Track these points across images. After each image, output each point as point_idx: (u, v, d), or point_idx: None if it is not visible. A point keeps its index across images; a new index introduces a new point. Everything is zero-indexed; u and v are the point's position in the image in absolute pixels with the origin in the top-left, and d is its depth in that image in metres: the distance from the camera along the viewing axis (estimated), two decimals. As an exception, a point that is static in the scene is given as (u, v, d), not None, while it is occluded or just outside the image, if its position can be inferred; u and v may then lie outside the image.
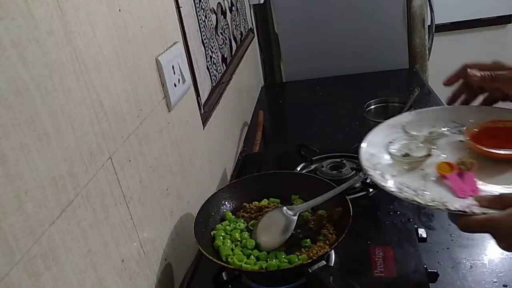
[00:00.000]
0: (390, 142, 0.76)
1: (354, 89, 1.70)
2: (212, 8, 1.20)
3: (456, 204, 0.60)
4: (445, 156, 0.72)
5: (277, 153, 1.32)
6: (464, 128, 0.75)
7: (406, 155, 0.73)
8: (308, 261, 0.68)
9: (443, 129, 0.77)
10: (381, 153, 0.74)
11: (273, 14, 1.87)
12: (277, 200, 0.87)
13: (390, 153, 0.73)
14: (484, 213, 0.57)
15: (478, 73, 0.75)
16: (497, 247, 0.57)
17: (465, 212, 0.58)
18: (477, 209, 0.58)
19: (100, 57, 0.60)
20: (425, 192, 0.64)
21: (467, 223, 0.58)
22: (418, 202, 0.62)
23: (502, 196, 0.59)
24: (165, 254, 0.77)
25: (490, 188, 0.62)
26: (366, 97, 1.39)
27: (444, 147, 0.74)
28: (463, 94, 0.78)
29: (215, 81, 1.17)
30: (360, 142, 0.76)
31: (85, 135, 0.55)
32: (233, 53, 1.42)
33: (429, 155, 0.71)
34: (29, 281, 0.43)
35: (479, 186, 0.63)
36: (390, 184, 0.67)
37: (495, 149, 0.68)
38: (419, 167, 0.70)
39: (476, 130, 0.73)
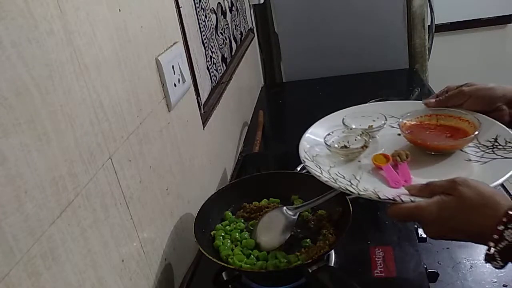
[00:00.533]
0: (328, 135, 0.79)
1: (354, 89, 1.70)
2: (212, 8, 1.20)
3: (387, 193, 0.62)
4: (382, 149, 0.76)
5: (277, 153, 1.32)
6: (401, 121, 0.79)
7: (344, 147, 0.76)
8: (308, 261, 0.68)
9: (382, 122, 0.82)
10: (321, 145, 0.78)
11: (273, 14, 1.87)
12: (277, 200, 0.87)
13: (327, 145, 0.76)
14: (413, 201, 0.59)
15: (433, 100, 0.81)
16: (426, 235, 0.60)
17: (394, 200, 0.61)
18: (405, 198, 0.60)
19: (100, 57, 0.60)
20: (359, 182, 0.67)
21: (395, 211, 0.60)
22: (351, 191, 0.65)
23: (429, 184, 0.60)
24: (165, 254, 0.77)
25: (421, 179, 0.65)
26: (366, 97, 1.39)
27: (382, 140, 0.80)
28: None
29: (215, 81, 1.17)
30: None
31: (85, 135, 0.55)
32: (233, 53, 1.42)
33: (364, 146, 0.75)
34: (29, 281, 0.43)
35: (412, 177, 0.67)
36: (325, 174, 0.70)
37: (428, 141, 0.73)
38: (356, 159, 0.75)
39: (412, 123, 0.79)
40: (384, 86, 1.65)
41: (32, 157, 0.45)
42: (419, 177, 0.66)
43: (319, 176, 0.69)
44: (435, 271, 0.73)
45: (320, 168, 0.72)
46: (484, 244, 0.53)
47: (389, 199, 0.61)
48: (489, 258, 0.52)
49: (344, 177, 0.69)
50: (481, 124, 0.73)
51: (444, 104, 0.80)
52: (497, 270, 0.75)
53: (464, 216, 0.55)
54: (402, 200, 0.60)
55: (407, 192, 0.62)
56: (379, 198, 0.62)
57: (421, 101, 0.83)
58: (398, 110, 0.84)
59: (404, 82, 1.79)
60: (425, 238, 0.80)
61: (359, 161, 0.74)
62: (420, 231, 0.81)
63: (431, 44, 1.93)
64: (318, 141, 0.80)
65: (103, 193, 0.58)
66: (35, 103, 0.46)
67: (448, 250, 0.81)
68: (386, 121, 0.81)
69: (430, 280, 0.72)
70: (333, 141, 0.78)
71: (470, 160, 0.70)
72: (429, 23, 1.90)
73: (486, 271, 0.76)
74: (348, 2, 1.78)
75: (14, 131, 0.43)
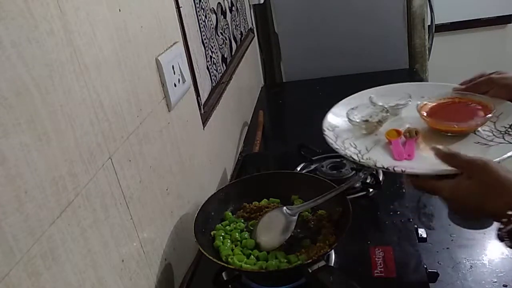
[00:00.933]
0: (352, 109, 0.84)
1: (354, 89, 1.69)
2: (212, 8, 1.20)
3: (385, 163, 0.68)
4: (407, 125, 0.80)
5: (277, 153, 1.32)
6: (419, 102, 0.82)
7: (366, 121, 0.81)
8: (308, 261, 0.68)
9: (406, 100, 0.85)
10: (344, 117, 0.84)
11: (273, 14, 1.87)
12: (277, 200, 0.87)
13: (349, 119, 0.82)
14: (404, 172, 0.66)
15: (462, 86, 0.83)
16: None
17: (387, 169, 0.67)
18: (398, 169, 0.66)
19: (100, 57, 0.60)
20: (367, 153, 0.73)
21: (416, 182, 0.67)
22: (353, 159, 0.72)
23: (455, 156, 0.63)
24: (165, 254, 0.77)
25: (428, 156, 0.69)
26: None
27: (407, 117, 0.83)
28: None
29: (215, 81, 1.17)
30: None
31: (85, 135, 0.55)
32: (233, 53, 1.42)
33: (380, 121, 0.79)
34: (29, 281, 0.43)
35: (417, 152, 0.72)
36: (338, 143, 0.77)
37: (443, 122, 0.75)
38: (373, 133, 0.79)
39: (433, 104, 0.82)
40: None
41: (32, 157, 0.45)
42: (427, 154, 0.70)
43: (331, 143, 0.76)
44: (435, 271, 0.73)
45: (336, 137, 0.78)
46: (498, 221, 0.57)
47: (384, 168, 0.68)
48: (499, 237, 0.57)
49: (355, 147, 0.75)
50: (495, 109, 0.74)
51: (472, 90, 0.81)
52: (497, 270, 0.76)
53: (477, 199, 0.59)
54: (394, 170, 0.66)
55: (404, 165, 0.67)
56: (375, 166, 0.69)
57: (449, 84, 0.85)
58: (424, 91, 0.87)
59: (404, 82, 1.79)
60: (425, 238, 0.80)
61: (375, 135, 0.79)
62: (421, 231, 0.81)
63: (431, 44, 1.93)
64: (342, 114, 0.85)
65: (103, 193, 0.58)
66: (35, 103, 0.46)
67: (448, 250, 0.81)
68: (410, 99, 0.84)
69: (430, 280, 0.72)
70: (355, 115, 0.82)
71: (478, 142, 0.72)
72: (429, 23, 1.90)
73: (486, 271, 0.76)
74: (348, 2, 1.78)
75: (14, 131, 0.43)
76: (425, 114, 0.79)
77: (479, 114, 0.76)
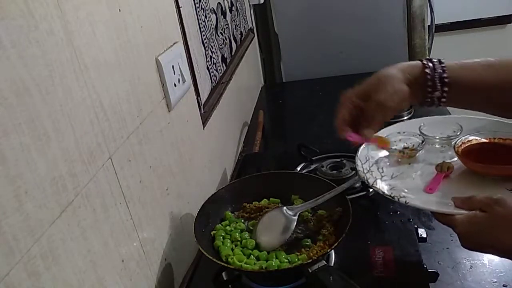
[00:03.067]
0: (388, 135, 0.81)
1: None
2: (212, 8, 1.20)
3: (394, 191, 0.68)
4: (443, 156, 0.77)
5: (277, 153, 1.32)
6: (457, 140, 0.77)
7: (406, 148, 0.79)
8: (308, 261, 0.68)
9: (457, 133, 0.80)
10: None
11: (273, 14, 1.87)
12: (277, 200, 0.87)
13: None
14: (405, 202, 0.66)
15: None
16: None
17: (391, 197, 0.67)
18: (402, 200, 0.66)
19: (100, 57, 0.60)
20: (389, 179, 0.73)
21: (437, 216, 0.65)
22: (366, 180, 0.72)
23: (471, 198, 0.62)
24: (165, 254, 0.77)
25: (454, 194, 0.66)
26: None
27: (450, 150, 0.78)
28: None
29: (215, 81, 1.17)
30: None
31: (85, 135, 0.55)
32: (233, 53, 1.42)
33: (403, 152, 0.77)
34: (29, 281, 0.43)
35: (439, 186, 0.69)
36: (365, 165, 0.76)
37: (475, 163, 0.71)
38: (408, 162, 0.77)
39: (482, 141, 0.76)
40: (384, 86, 1.65)
41: (32, 157, 0.45)
42: (455, 191, 0.67)
43: (357, 165, 0.76)
44: (435, 271, 0.73)
45: (366, 159, 0.77)
46: None
47: (390, 196, 0.67)
48: None
49: (382, 172, 0.74)
50: None
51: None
52: (497, 270, 0.76)
53: (493, 234, 0.57)
54: (398, 200, 0.66)
55: (412, 197, 0.66)
56: (384, 193, 0.68)
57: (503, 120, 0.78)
58: (479, 125, 0.81)
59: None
60: (425, 238, 0.80)
61: (409, 164, 0.77)
62: (421, 231, 0.81)
63: (431, 44, 1.93)
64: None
65: (103, 193, 0.58)
66: (35, 103, 0.46)
67: (448, 250, 0.81)
68: (460, 132, 0.79)
69: (430, 280, 0.72)
70: (395, 141, 0.80)
71: (511, 190, 0.66)
72: (429, 23, 1.89)
73: (486, 271, 0.76)
74: (348, 2, 1.78)
75: (14, 131, 0.43)
76: (460, 151, 0.73)
77: None
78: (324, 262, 0.68)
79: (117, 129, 0.63)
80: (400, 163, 0.77)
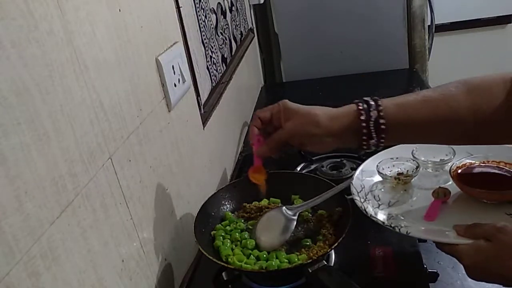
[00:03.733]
0: (381, 162, 0.80)
1: (354, 89, 1.69)
2: (212, 8, 1.20)
3: (393, 221, 0.68)
4: (437, 181, 0.77)
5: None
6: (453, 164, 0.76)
7: (400, 174, 0.78)
8: (308, 261, 0.68)
9: (450, 157, 0.79)
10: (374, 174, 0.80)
11: (273, 14, 1.87)
12: (277, 200, 0.87)
13: (378, 171, 0.78)
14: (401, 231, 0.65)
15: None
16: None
17: (391, 227, 0.67)
18: (404, 230, 0.65)
19: (100, 57, 0.60)
20: (386, 207, 0.72)
21: (440, 246, 0.64)
22: (364, 210, 0.71)
23: (474, 226, 0.61)
24: (165, 254, 0.77)
25: (454, 221, 0.66)
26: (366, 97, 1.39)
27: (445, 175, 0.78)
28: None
29: (215, 81, 1.17)
30: None
31: (85, 135, 0.55)
32: (233, 53, 1.42)
33: (396, 178, 0.77)
34: (29, 281, 0.43)
35: (438, 213, 0.69)
36: (361, 195, 0.75)
37: (471, 188, 0.70)
38: (404, 188, 0.77)
39: (477, 163, 0.76)
40: (384, 86, 1.65)
41: (32, 157, 0.45)
42: (455, 218, 0.66)
43: (353, 194, 0.75)
44: (435, 271, 0.73)
45: (362, 187, 0.76)
46: None
47: (387, 225, 0.67)
48: None
49: (378, 200, 0.74)
50: None
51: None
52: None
53: (500, 262, 0.56)
54: (399, 230, 0.65)
55: (413, 227, 0.66)
56: (384, 223, 0.68)
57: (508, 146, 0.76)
58: (472, 149, 0.79)
59: (404, 82, 1.79)
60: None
61: (404, 190, 0.76)
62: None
63: (431, 44, 1.93)
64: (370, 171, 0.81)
65: (103, 193, 0.58)
66: (35, 103, 0.46)
67: (448, 250, 0.81)
68: (453, 156, 0.79)
69: (430, 280, 0.72)
70: (388, 167, 0.79)
71: (510, 214, 0.66)
72: (429, 23, 1.90)
73: (486, 271, 0.76)
74: (348, 3, 1.78)
75: (14, 131, 0.43)
76: (456, 176, 0.73)
77: None
78: (324, 262, 0.68)
79: (117, 129, 0.63)
80: (395, 189, 0.77)
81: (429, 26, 1.89)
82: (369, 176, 0.79)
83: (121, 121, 0.65)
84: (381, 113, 0.63)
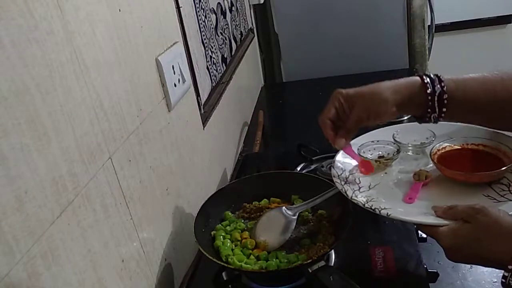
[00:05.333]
0: (362, 145, 0.80)
1: (354, 89, 1.69)
2: (212, 8, 1.20)
3: (375, 204, 0.67)
4: (417, 164, 0.77)
5: (277, 153, 1.32)
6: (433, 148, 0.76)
7: (381, 157, 0.79)
8: (308, 261, 0.68)
9: (431, 139, 0.79)
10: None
11: (273, 14, 1.87)
12: (278, 200, 0.87)
13: (359, 154, 0.78)
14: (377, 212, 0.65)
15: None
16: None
17: (373, 210, 0.66)
18: (385, 212, 0.65)
19: (100, 57, 0.60)
20: (367, 190, 0.72)
21: (420, 227, 0.65)
22: (347, 195, 0.70)
23: (453, 208, 0.61)
24: (165, 254, 0.77)
25: (434, 202, 0.66)
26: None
27: (426, 158, 0.78)
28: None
29: (215, 81, 1.17)
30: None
31: (85, 135, 0.55)
32: (233, 53, 1.42)
33: (377, 161, 0.77)
34: (29, 281, 0.43)
35: (418, 196, 0.69)
36: (342, 177, 0.75)
37: (452, 170, 0.70)
38: (384, 171, 0.77)
39: (456, 147, 0.76)
40: (384, 86, 1.65)
41: (32, 157, 0.45)
42: (435, 200, 0.67)
43: (334, 176, 0.75)
44: (435, 271, 0.73)
45: (343, 170, 0.76)
46: (503, 270, 0.54)
47: (371, 208, 0.66)
48: (505, 286, 0.54)
49: (359, 183, 0.73)
50: None
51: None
52: (497, 270, 0.76)
53: (478, 244, 0.57)
54: (379, 213, 0.65)
55: (394, 209, 0.65)
56: (364, 206, 0.67)
57: (482, 128, 0.77)
58: (452, 132, 0.80)
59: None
60: (425, 238, 0.80)
61: (385, 173, 0.77)
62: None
63: (431, 44, 1.93)
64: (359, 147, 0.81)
65: (103, 193, 0.58)
66: (35, 103, 0.46)
67: (448, 250, 0.81)
68: (433, 139, 0.79)
69: (430, 280, 0.72)
70: (369, 151, 0.80)
71: (488, 196, 0.66)
72: (429, 23, 1.90)
73: (486, 271, 0.76)
74: (348, 2, 1.78)
75: (14, 131, 0.43)
76: (436, 158, 0.74)
77: (499, 165, 0.69)
78: (324, 262, 0.68)
79: (117, 129, 0.63)
80: (375, 172, 0.76)
81: (429, 26, 1.89)
82: (350, 159, 0.79)
83: (121, 121, 0.65)
84: (444, 88, 0.65)
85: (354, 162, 0.78)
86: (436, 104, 0.66)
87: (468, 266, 0.77)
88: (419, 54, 1.85)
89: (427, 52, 1.89)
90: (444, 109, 0.66)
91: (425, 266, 0.73)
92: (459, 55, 2.86)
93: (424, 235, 0.80)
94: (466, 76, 0.68)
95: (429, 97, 0.66)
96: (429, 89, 0.66)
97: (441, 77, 0.67)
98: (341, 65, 1.85)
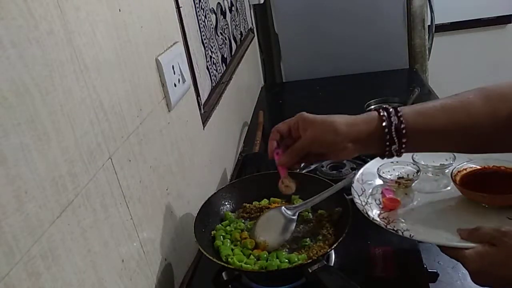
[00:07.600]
0: (382, 165, 0.80)
1: (354, 89, 1.70)
2: (212, 8, 1.20)
3: (398, 225, 0.68)
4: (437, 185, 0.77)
5: (277, 153, 1.31)
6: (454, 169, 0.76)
7: (401, 177, 0.78)
8: (308, 261, 0.68)
9: (450, 161, 0.79)
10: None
11: (273, 14, 1.87)
12: (278, 200, 0.86)
13: (379, 175, 0.79)
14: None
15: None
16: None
17: (396, 231, 0.67)
18: (408, 234, 0.66)
19: (100, 57, 0.60)
20: (381, 206, 0.74)
21: (445, 250, 0.64)
22: (366, 213, 0.71)
23: (478, 229, 0.61)
24: (165, 254, 0.77)
25: (456, 225, 0.66)
26: (366, 97, 1.39)
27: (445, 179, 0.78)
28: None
29: (215, 81, 1.17)
30: None
31: (85, 135, 0.55)
32: (233, 53, 1.42)
33: (398, 182, 0.77)
34: (29, 281, 0.43)
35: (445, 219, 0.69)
36: (362, 197, 0.76)
37: (473, 192, 0.70)
38: (404, 192, 0.77)
39: (476, 168, 0.75)
40: (384, 86, 1.65)
41: (32, 157, 0.45)
42: (458, 222, 0.66)
43: (354, 197, 0.75)
44: (435, 271, 0.73)
45: (362, 190, 0.77)
46: None
47: (389, 228, 0.67)
48: None
49: (379, 204, 0.74)
50: None
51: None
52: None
53: (506, 268, 0.56)
54: (402, 234, 0.65)
55: (416, 231, 0.66)
56: (386, 227, 0.68)
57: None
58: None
59: (404, 82, 1.79)
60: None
61: (405, 194, 0.77)
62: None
63: (431, 44, 1.93)
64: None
65: (103, 193, 0.58)
66: (35, 103, 0.46)
67: (448, 250, 0.81)
68: (453, 161, 0.79)
69: (430, 280, 0.72)
70: (388, 170, 0.80)
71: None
72: (429, 23, 1.90)
73: (486, 271, 0.76)
74: (348, 3, 1.78)
75: (14, 131, 0.43)
76: (458, 180, 0.73)
77: None
78: (324, 262, 0.68)
79: (117, 129, 0.63)
80: (396, 193, 0.76)
81: (429, 26, 1.89)
82: (369, 179, 0.79)
83: (121, 121, 0.65)
84: (401, 119, 0.64)
85: (375, 182, 0.79)
86: (394, 136, 0.64)
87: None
88: (419, 54, 1.85)
89: (427, 52, 1.89)
90: (404, 140, 0.64)
91: (425, 266, 0.73)
92: (459, 55, 2.86)
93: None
94: (425, 104, 0.67)
95: (386, 130, 0.64)
96: (385, 122, 0.64)
97: (397, 109, 0.65)
98: (341, 65, 1.85)
